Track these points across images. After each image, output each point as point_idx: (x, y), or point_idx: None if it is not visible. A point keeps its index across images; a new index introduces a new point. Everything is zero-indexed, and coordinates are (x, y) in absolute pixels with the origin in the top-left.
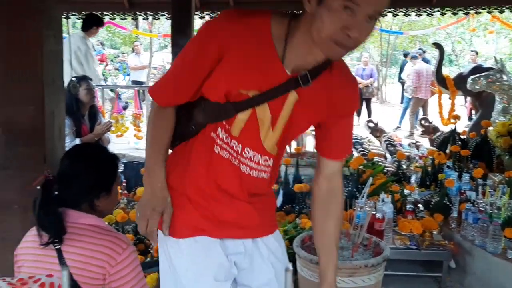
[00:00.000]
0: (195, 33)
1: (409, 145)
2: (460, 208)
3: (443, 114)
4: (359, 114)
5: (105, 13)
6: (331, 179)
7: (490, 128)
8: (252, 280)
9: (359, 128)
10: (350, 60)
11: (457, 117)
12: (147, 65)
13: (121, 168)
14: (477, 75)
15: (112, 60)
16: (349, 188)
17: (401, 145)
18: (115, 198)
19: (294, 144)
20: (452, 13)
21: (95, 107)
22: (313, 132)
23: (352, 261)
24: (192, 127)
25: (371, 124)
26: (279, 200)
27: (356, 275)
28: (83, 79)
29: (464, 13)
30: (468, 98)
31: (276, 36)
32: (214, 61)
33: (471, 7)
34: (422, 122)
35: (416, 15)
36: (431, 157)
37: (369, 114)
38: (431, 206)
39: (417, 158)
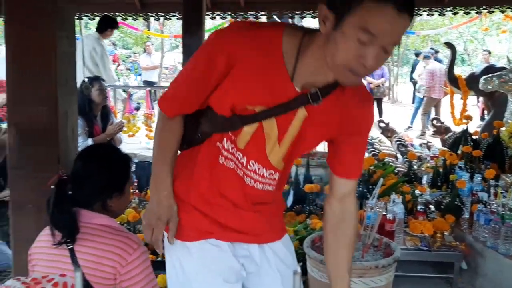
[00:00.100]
0: (206, 33)
1: (421, 145)
2: (471, 209)
3: (455, 114)
4: None
5: (117, 13)
6: (344, 200)
7: (503, 128)
8: (258, 285)
9: None
10: None
11: (469, 117)
12: (159, 65)
13: (132, 168)
14: (489, 75)
15: (123, 61)
16: (360, 189)
17: (412, 145)
18: (127, 198)
19: None
20: (464, 13)
21: (107, 107)
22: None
23: (362, 262)
24: (198, 134)
25: (382, 124)
26: (290, 200)
27: (366, 276)
28: (95, 79)
29: (476, 13)
30: (481, 98)
31: (287, 52)
32: (221, 74)
33: (484, 7)
34: (434, 122)
35: (428, 15)
36: (443, 158)
37: (380, 114)
38: (442, 207)
39: (428, 158)
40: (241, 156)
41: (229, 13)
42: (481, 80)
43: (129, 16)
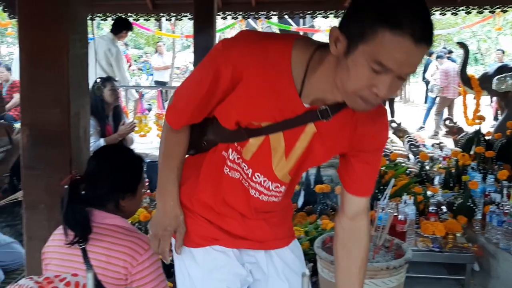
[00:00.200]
0: (217, 33)
1: (433, 145)
2: (484, 210)
3: (468, 115)
4: None
5: (129, 14)
6: (355, 218)
7: None
8: None
9: None
10: None
11: (482, 118)
12: (170, 66)
13: (144, 168)
14: (503, 75)
15: (135, 61)
16: None
17: (424, 145)
18: (139, 199)
19: None
20: (477, 12)
21: (119, 108)
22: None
23: (373, 263)
24: (204, 142)
25: (394, 124)
26: (300, 201)
27: (377, 277)
28: (107, 80)
29: (490, 12)
30: (494, 98)
31: (295, 67)
32: (226, 90)
33: (498, 6)
34: (446, 122)
35: (440, 14)
36: (455, 158)
37: (392, 114)
38: (454, 208)
39: (440, 159)
40: (247, 167)
41: (240, 13)
42: (495, 80)
43: (141, 16)
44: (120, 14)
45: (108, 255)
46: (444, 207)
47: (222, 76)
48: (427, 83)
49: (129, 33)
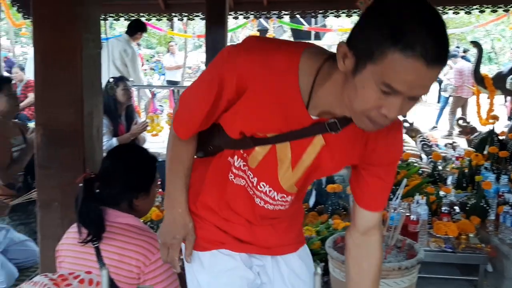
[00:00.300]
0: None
1: (446, 145)
2: (497, 210)
3: (481, 114)
4: None
5: (141, 14)
6: (368, 233)
7: None
8: None
9: None
10: None
11: (495, 117)
12: (182, 65)
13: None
14: None
15: (147, 60)
16: None
17: (437, 145)
18: (153, 199)
19: None
20: (491, 11)
21: (131, 107)
22: None
23: (385, 263)
24: (210, 147)
25: (406, 124)
26: (312, 201)
27: (389, 277)
28: (120, 79)
29: (504, 10)
30: (508, 98)
31: (303, 77)
32: (232, 98)
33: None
34: (460, 122)
35: (453, 13)
36: (468, 158)
37: (404, 114)
38: (467, 208)
39: (453, 159)
40: (252, 176)
41: (252, 12)
42: (509, 79)
43: (153, 16)
44: (132, 14)
45: (121, 254)
46: (457, 208)
47: (227, 86)
48: (440, 82)
49: (143, 34)
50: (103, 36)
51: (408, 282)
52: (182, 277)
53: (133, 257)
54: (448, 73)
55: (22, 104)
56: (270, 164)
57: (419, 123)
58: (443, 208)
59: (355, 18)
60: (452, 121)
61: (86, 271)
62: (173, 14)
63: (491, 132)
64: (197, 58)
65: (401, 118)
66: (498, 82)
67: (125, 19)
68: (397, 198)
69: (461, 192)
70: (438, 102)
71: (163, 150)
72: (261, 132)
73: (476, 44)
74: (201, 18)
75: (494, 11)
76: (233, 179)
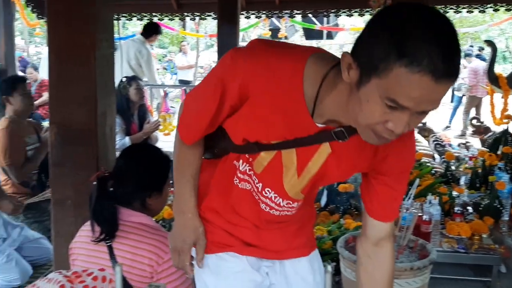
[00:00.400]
0: (240, 33)
1: (459, 145)
2: (511, 211)
3: (495, 114)
4: None
5: (154, 14)
6: (379, 244)
7: None
8: None
9: None
10: None
11: (509, 117)
12: (194, 65)
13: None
14: None
15: (160, 60)
16: None
17: (450, 145)
18: (165, 198)
19: None
20: (506, 9)
21: (144, 106)
22: None
23: (397, 263)
24: (216, 149)
25: (419, 124)
26: (323, 200)
27: (401, 278)
28: (133, 79)
29: None
30: None
31: (308, 84)
32: (234, 104)
33: None
34: (473, 121)
35: (467, 12)
36: (482, 158)
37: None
38: (480, 208)
39: (467, 159)
40: (257, 181)
41: (264, 12)
42: None
43: (166, 16)
44: (145, 14)
45: (134, 253)
46: (470, 208)
47: (229, 92)
48: None
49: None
50: (116, 36)
51: (420, 282)
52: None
53: (145, 256)
54: (462, 72)
55: (36, 102)
56: (276, 170)
57: (432, 122)
58: (456, 209)
59: (367, 17)
60: (465, 121)
61: (99, 268)
62: (185, 13)
63: (505, 132)
64: (209, 58)
65: None
66: None
67: (138, 19)
68: (409, 198)
69: (474, 192)
70: (452, 101)
71: None
72: (264, 139)
73: (490, 43)
74: (213, 18)
75: (509, 10)
76: (238, 183)
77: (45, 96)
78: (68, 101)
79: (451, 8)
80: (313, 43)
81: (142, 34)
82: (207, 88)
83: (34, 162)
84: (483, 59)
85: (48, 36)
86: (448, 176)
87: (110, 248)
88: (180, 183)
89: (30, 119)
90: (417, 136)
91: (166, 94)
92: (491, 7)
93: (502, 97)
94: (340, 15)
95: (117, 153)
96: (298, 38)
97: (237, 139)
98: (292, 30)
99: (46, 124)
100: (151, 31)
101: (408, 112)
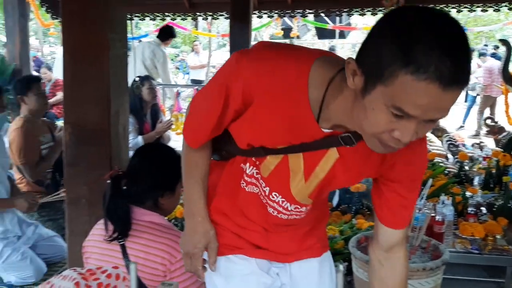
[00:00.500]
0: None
1: (473, 145)
2: None
3: (510, 114)
4: None
5: (166, 14)
6: (392, 250)
7: None
8: None
9: None
10: None
11: None
12: (206, 64)
13: None
14: None
15: (172, 60)
16: None
17: (464, 145)
18: (178, 198)
19: None
20: None
21: (156, 106)
22: None
23: (410, 263)
24: (223, 152)
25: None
26: (335, 200)
27: (413, 278)
28: (145, 78)
29: None
30: None
31: (313, 89)
32: (239, 109)
33: None
34: (487, 121)
35: (482, 11)
36: (496, 159)
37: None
38: (494, 209)
39: (480, 159)
40: (264, 185)
41: (276, 11)
42: None
43: (178, 16)
44: (157, 14)
45: (147, 252)
46: (483, 208)
47: (233, 97)
48: None
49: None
50: (129, 35)
51: (432, 283)
52: None
53: (158, 255)
54: (476, 72)
55: (50, 101)
56: (282, 174)
57: (445, 122)
58: (469, 209)
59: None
60: (480, 121)
61: (113, 266)
62: (198, 13)
63: None
64: (221, 57)
65: None
66: None
67: (151, 19)
68: (422, 198)
69: (488, 192)
70: (465, 101)
71: None
72: (269, 145)
73: (505, 42)
74: (225, 17)
75: None
76: (245, 187)
77: (59, 95)
78: (82, 101)
79: (465, 7)
80: (326, 42)
81: (158, 36)
82: (211, 92)
83: (48, 161)
84: (498, 58)
85: (63, 36)
86: (461, 177)
87: (123, 247)
88: (189, 186)
89: (44, 118)
90: (430, 136)
91: (178, 94)
92: (506, 5)
93: None
94: (353, 14)
95: (130, 152)
96: (310, 38)
97: (242, 143)
98: (304, 29)
99: (60, 123)
100: (167, 34)
101: (415, 120)
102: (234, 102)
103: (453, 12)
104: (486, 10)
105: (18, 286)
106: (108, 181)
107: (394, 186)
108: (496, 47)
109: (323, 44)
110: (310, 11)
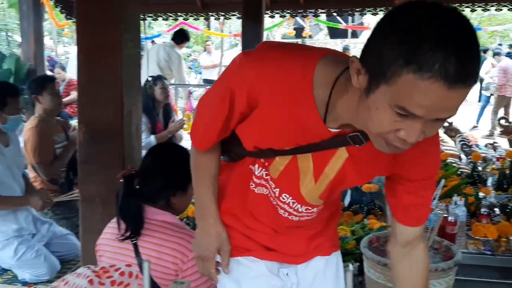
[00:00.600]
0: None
1: (486, 146)
2: None
3: None
4: None
5: (179, 14)
6: (410, 244)
7: None
8: None
9: None
10: None
11: None
12: (218, 64)
13: None
14: None
15: (184, 59)
16: None
17: (477, 145)
18: (190, 197)
19: None
20: None
21: (169, 105)
22: None
23: None
24: (232, 153)
25: (445, 123)
26: (347, 200)
27: None
28: (158, 78)
29: None
30: None
31: (318, 88)
32: (244, 111)
33: None
34: (501, 121)
35: (496, 10)
36: (510, 159)
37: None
38: (508, 210)
39: (494, 159)
40: (274, 186)
41: (288, 11)
42: None
43: (191, 16)
44: (170, 14)
45: (159, 251)
46: (497, 209)
47: (238, 99)
48: (481, 80)
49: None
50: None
51: (444, 284)
52: None
53: (170, 254)
54: (490, 72)
55: (64, 100)
56: (292, 175)
57: (458, 122)
58: (482, 210)
59: None
60: (494, 121)
61: (126, 264)
62: (210, 13)
63: None
64: (233, 57)
65: None
66: None
67: (163, 19)
68: (434, 199)
69: (501, 193)
70: (479, 101)
71: None
72: (276, 147)
73: None
74: (237, 17)
75: None
76: (254, 188)
77: (73, 95)
78: (96, 101)
79: (479, 6)
80: (338, 42)
81: (172, 39)
82: (216, 94)
83: (62, 160)
84: None
85: (77, 37)
86: (474, 177)
87: (135, 246)
88: (199, 189)
89: (58, 117)
90: (443, 136)
91: (190, 93)
92: None
93: None
94: (365, 14)
95: (143, 151)
96: (322, 37)
97: (249, 145)
98: (317, 29)
99: (73, 122)
100: (181, 37)
101: (421, 120)
102: (239, 104)
103: (467, 11)
104: (501, 9)
105: (32, 283)
106: (121, 180)
107: (407, 184)
108: (511, 47)
109: (336, 44)
110: (323, 10)
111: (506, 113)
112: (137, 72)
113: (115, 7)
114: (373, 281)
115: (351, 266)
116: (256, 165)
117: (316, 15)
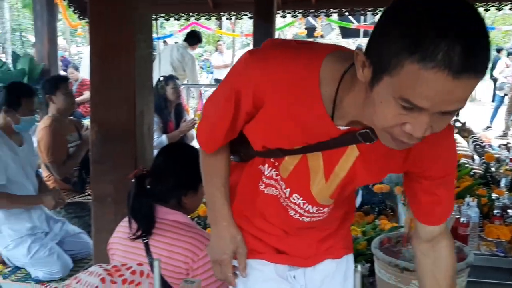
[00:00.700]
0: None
1: (500, 146)
2: None
3: None
4: None
5: (191, 14)
6: (434, 240)
7: None
8: None
9: None
10: None
11: None
12: (230, 64)
13: None
14: None
15: (196, 59)
16: None
17: (490, 146)
18: (201, 197)
19: None
20: None
21: (180, 105)
22: None
23: None
24: (241, 153)
25: (458, 124)
26: (358, 201)
27: None
28: (170, 78)
29: None
30: None
31: (325, 86)
32: (250, 111)
33: None
34: None
35: (510, 9)
36: None
37: (457, 113)
38: None
39: (507, 160)
40: (284, 186)
41: (300, 11)
42: None
43: (202, 16)
44: (182, 14)
45: (170, 250)
46: (510, 211)
47: (244, 100)
48: (495, 81)
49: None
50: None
51: (457, 285)
52: None
53: (181, 254)
54: (504, 71)
55: (77, 100)
56: (302, 174)
57: (472, 122)
58: (495, 211)
59: None
60: (507, 121)
61: (137, 263)
62: (222, 13)
63: None
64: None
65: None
66: None
67: (175, 19)
68: None
69: None
70: (493, 101)
71: None
72: (284, 147)
73: None
74: (249, 17)
75: None
76: (263, 189)
77: (86, 94)
78: (108, 101)
79: (493, 5)
80: (350, 41)
81: (185, 40)
82: (222, 95)
83: (75, 159)
84: None
85: (90, 37)
86: (487, 178)
87: (147, 245)
88: (210, 192)
89: (72, 117)
90: (456, 136)
91: (201, 93)
92: None
93: None
94: (378, 13)
95: (155, 151)
96: (334, 37)
97: (257, 145)
98: (328, 28)
99: (86, 122)
100: (194, 39)
101: (427, 113)
102: (245, 104)
103: (481, 11)
104: None
105: (45, 281)
106: (133, 180)
107: (424, 182)
108: None
109: (348, 44)
110: (334, 10)
111: None
112: (149, 72)
113: (128, 7)
114: (384, 282)
115: (359, 267)
116: (266, 165)
117: (328, 15)
